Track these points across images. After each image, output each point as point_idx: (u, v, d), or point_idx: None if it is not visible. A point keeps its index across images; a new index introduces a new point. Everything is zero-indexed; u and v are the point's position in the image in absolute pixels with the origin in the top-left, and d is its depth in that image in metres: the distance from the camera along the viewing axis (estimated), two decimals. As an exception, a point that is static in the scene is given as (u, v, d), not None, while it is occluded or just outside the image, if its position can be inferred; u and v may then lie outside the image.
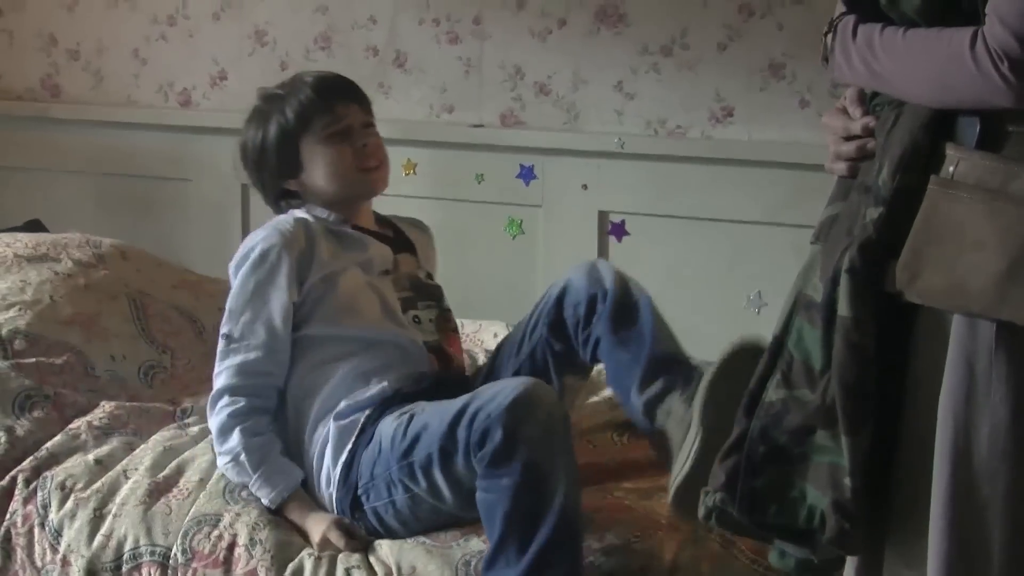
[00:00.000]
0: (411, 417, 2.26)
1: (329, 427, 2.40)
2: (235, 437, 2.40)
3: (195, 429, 2.71)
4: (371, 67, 3.98)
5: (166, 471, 2.54)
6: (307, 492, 2.41)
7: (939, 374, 1.58)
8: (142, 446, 2.65)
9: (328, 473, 2.38)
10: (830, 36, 1.72)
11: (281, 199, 2.63)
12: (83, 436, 2.66)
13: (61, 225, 3.81)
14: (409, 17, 3.99)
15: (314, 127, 2.53)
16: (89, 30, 4.42)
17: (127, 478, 2.53)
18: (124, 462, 2.58)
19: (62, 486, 2.52)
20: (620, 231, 3.79)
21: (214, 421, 2.45)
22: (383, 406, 2.38)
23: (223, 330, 2.50)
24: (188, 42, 4.30)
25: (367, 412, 2.38)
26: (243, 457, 2.39)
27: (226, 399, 2.43)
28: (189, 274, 3.50)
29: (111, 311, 3.10)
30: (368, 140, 2.55)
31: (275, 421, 2.47)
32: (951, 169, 1.55)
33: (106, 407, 2.76)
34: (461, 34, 3.93)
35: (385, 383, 2.41)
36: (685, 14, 3.68)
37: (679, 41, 3.71)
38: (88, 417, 2.72)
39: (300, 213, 2.58)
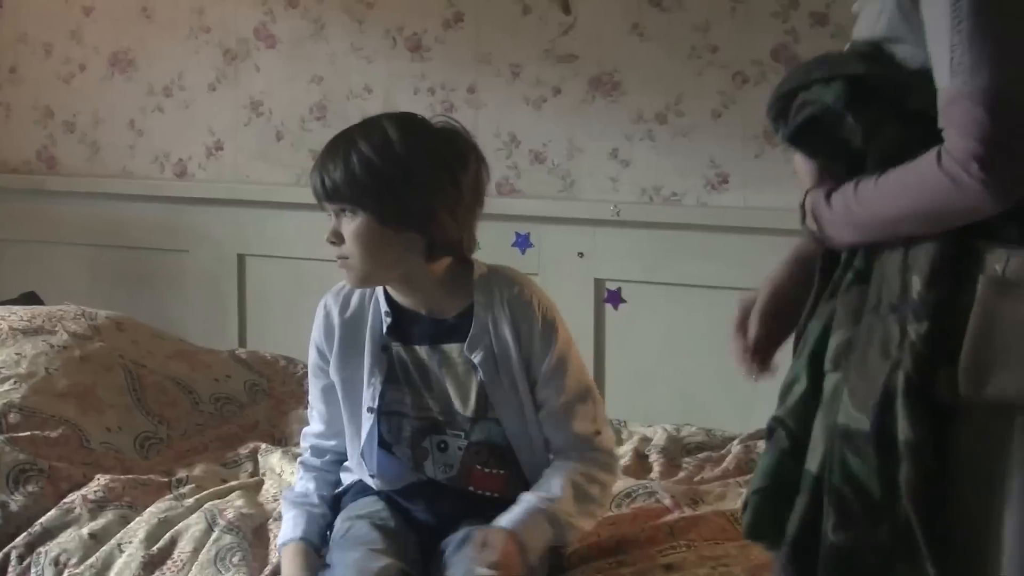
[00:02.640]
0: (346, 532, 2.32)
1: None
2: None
3: (190, 500, 2.69)
4: (366, 137, 3.99)
5: (160, 543, 2.52)
6: None
7: (994, 481, 1.53)
8: (137, 519, 2.62)
9: None
10: (808, 218, 1.75)
11: None
12: (77, 510, 2.64)
13: (57, 297, 3.81)
14: (404, 86, 4.01)
15: None
16: (85, 102, 4.44)
17: (121, 552, 2.51)
18: (118, 535, 2.56)
19: (56, 562, 2.50)
20: (616, 298, 3.79)
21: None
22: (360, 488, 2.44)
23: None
24: (184, 113, 4.32)
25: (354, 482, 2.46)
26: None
27: (301, 466, 2.50)
28: (185, 345, 3.49)
29: (106, 383, 3.10)
30: (330, 238, 2.27)
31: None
32: (999, 268, 1.52)
33: (101, 480, 2.74)
34: (456, 103, 3.95)
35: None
36: (679, 82, 3.70)
37: (674, 108, 3.72)
38: (83, 491, 2.70)
39: None
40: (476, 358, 2.30)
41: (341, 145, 2.26)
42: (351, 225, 2.23)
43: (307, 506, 2.40)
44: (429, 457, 2.34)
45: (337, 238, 2.25)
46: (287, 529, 2.37)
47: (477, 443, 2.33)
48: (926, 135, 1.55)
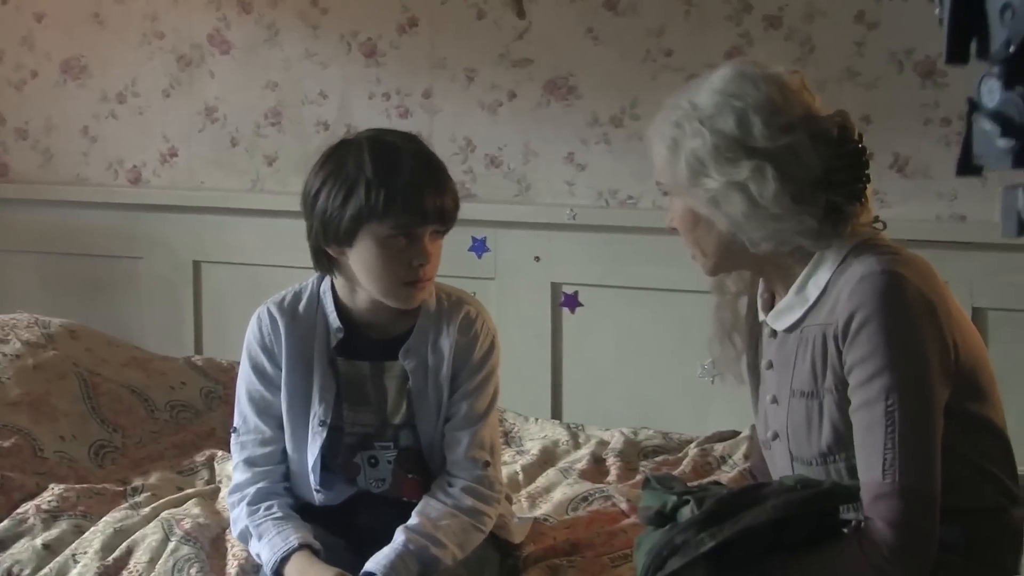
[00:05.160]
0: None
1: None
2: (243, 519, 2.35)
3: (146, 509, 2.68)
4: (322, 141, 3.93)
5: (116, 553, 2.50)
6: None
7: None
8: (92, 528, 2.61)
9: None
10: None
11: (320, 254, 2.34)
12: (31, 520, 2.61)
13: (9, 305, 3.77)
14: (359, 91, 4.00)
15: (386, 224, 2.22)
16: (38, 108, 4.41)
17: (76, 562, 2.49)
18: (73, 546, 2.54)
19: (8, 573, 2.47)
20: (573, 302, 3.79)
21: (233, 526, 2.41)
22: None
23: (233, 422, 2.46)
24: (138, 119, 4.30)
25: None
26: (249, 533, 2.34)
27: (236, 496, 2.39)
28: (140, 352, 3.47)
29: (60, 391, 3.07)
30: (427, 260, 2.26)
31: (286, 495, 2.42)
32: None
33: (55, 489, 2.72)
34: (411, 107, 3.95)
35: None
36: (634, 85, 3.71)
37: (629, 112, 3.73)
38: (36, 500, 2.68)
39: (313, 291, 2.42)
40: (409, 365, 2.35)
41: (434, 169, 2.32)
42: (437, 245, 2.30)
43: (279, 519, 2.33)
44: (361, 473, 2.38)
45: (428, 260, 2.28)
46: (276, 545, 2.26)
47: (405, 449, 2.37)
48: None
